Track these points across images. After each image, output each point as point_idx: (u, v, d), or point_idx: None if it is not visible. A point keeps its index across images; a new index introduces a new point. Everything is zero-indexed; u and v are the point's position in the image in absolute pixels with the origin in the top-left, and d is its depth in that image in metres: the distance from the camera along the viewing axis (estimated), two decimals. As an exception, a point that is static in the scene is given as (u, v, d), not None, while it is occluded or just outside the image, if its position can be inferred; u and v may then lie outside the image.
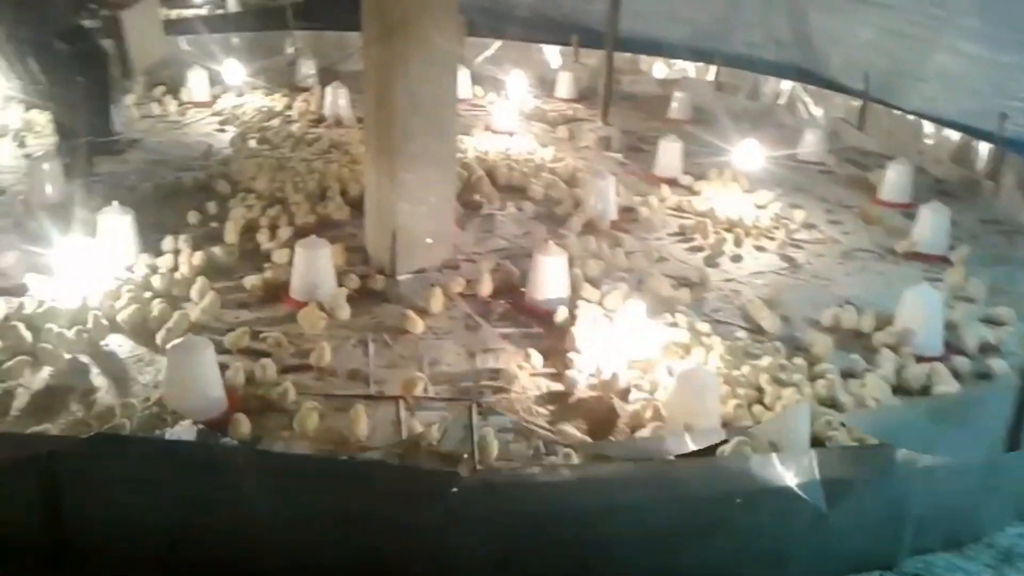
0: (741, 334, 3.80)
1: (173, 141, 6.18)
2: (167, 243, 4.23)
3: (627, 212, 5.20)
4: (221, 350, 3.44)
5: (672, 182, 5.84)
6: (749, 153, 5.74)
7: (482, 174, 5.49)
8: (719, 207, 5.26)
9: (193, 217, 4.71)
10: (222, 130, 6.45)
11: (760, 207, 5.35)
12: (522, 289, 4.06)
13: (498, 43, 8.89)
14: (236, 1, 11.56)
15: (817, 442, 2.96)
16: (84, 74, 5.24)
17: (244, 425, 2.90)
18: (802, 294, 4.30)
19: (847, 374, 3.54)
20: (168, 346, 3.02)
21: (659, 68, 8.50)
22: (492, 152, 6.05)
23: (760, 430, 2.95)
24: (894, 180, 5.59)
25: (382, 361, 3.50)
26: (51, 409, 3.04)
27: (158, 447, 2.58)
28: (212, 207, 4.82)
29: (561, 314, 3.84)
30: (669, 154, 5.99)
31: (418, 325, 3.72)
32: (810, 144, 6.44)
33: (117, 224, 4.07)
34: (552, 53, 8.78)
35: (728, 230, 4.97)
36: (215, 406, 3.01)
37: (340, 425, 3.04)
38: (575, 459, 2.92)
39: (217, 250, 4.23)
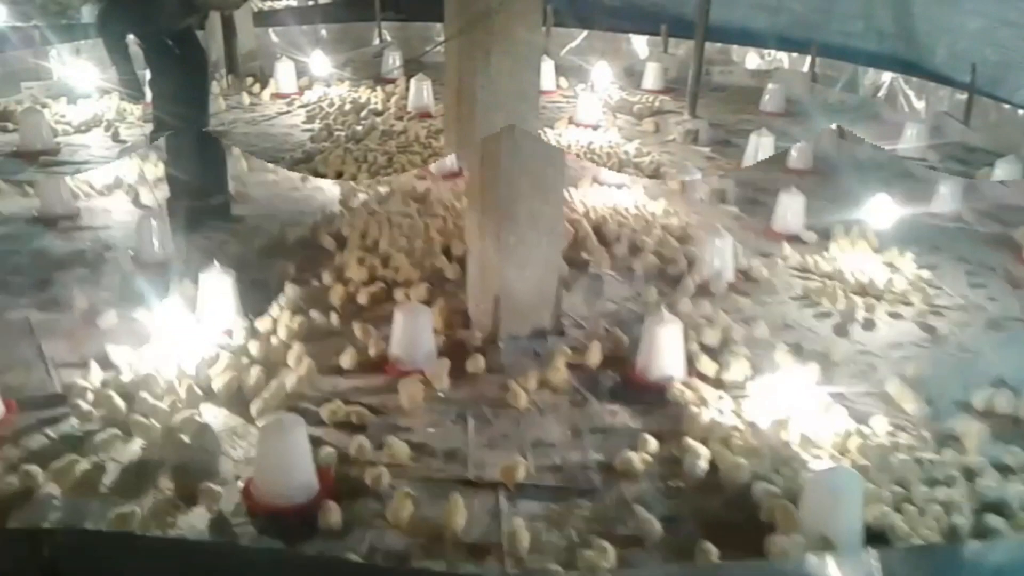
0: (880, 418, 3.40)
1: (260, 133, 6.19)
2: (269, 307, 4.14)
3: (745, 273, 4.86)
4: (316, 421, 3.29)
5: (793, 239, 5.46)
6: (880, 209, 5.28)
7: (589, 231, 5.24)
8: (848, 268, 4.86)
9: (294, 274, 4.63)
10: (309, 128, 6.44)
11: (893, 268, 4.91)
12: (632, 360, 3.77)
13: (584, 33, 8.76)
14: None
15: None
16: (189, 77, 5.21)
17: (335, 514, 2.71)
18: (947, 371, 3.86)
19: (1004, 468, 3.11)
20: (260, 424, 2.86)
21: (751, 58, 8.21)
22: (601, 207, 5.81)
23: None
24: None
25: (482, 439, 3.27)
26: (140, 486, 2.92)
27: (171, 547, 2.39)
28: (315, 260, 4.78)
29: (675, 390, 3.53)
30: (790, 208, 5.61)
31: (520, 399, 3.48)
32: (911, 139, 5.99)
33: (218, 286, 3.99)
34: (640, 43, 8.62)
35: (859, 294, 4.56)
36: (306, 491, 2.83)
37: (435, 515, 2.81)
38: (611, 553, 2.64)
39: (316, 313, 4.11)
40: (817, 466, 2.93)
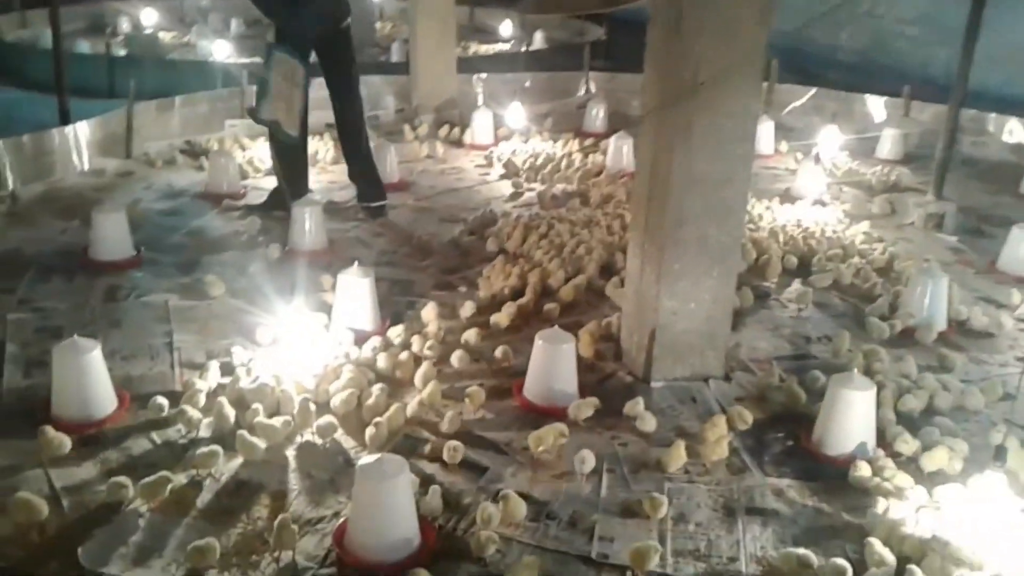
0: None
1: (445, 187, 5.90)
2: (408, 316, 3.85)
3: (961, 323, 4.07)
4: (431, 455, 2.93)
5: (1022, 280, 4.58)
6: None
7: (774, 254, 4.60)
8: None
9: (441, 281, 4.33)
10: (500, 177, 6.08)
11: None
12: (810, 423, 3.15)
13: (812, 91, 7.83)
14: (543, 38, 11.49)
15: None
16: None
17: (425, 584, 2.32)
18: None
19: None
20: (358, 465, 2.52)
21: (1013, 128, 7.01)
22: (789, 226, 5.12)
23: None
24: None
25: (614, 503, 2.78)
26: (234, 512, 2.66)
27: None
28: (467, 264, 4.46)
29: (859, 471, 2.90)
30: (1022, 244, 4.71)
31: (672, 461, 2.95)
32: None
33: (355, 288, 3.71)
34: (877, 105, 7.57)
35: (1110, 367, 3.69)
36: (402, 548, 2.46)
37: (546, 598, 2.37)
38: None
39: (455, 325, 3.77)
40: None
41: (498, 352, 3.55)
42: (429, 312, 3.84)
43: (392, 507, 2.45)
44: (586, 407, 3.20)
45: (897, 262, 4.67)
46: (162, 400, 3.05)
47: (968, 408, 3.37)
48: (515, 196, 5.75)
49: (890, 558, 2.49)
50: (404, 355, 3.47)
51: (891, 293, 4.28)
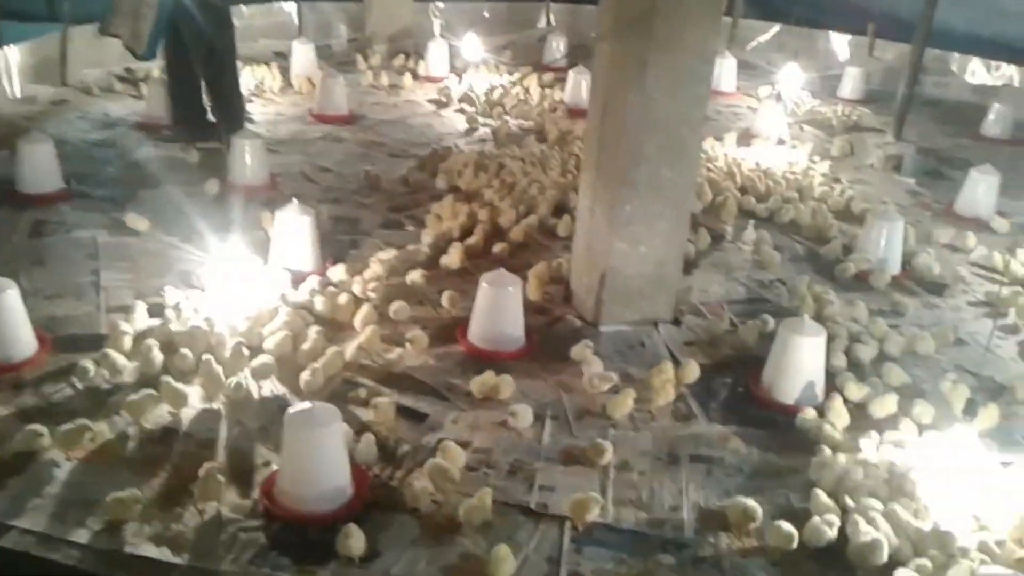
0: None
1: (397, 120, 5.69)
2: (351, 256, 3.70)
3: (915, 266, 4.02)
4: (365, 401, 2.82)
5: (981, 226, 4.54)
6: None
7: (731, 195, 4.50)
8: None
9: (388, 220, 4.18)
10: (454, 111, 5.87)
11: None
12: (759, 369, 3.09)
13: (775, 28, 7.68)
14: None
15: None
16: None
17: (355, 539, 2.22)
18: None
19: None
20: (287, 413, 2.40)
21: (975, 70, 6.93)
22: (748, 166, 5.01)
23: None
24: None
25: (555, 451, 2.70)
26: (158, 461, 2.53)
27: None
28: (416, 201, 4.35)
29: (808, 420, 2.84)
30: (980, 187, 4.67)
31: (619, 407, 2.87)
32: None
33: (294, 226, 3.55)
34: (840, 43, 7.45)
35: (1060, 311, 3.68)
36: (334, 499, 2.36)
37: (481, 550, 2.28)
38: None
39: (401, 264, 3.64)
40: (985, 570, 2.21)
41: (444, 300, 3.42)
42: (373, 252, 3.69)
43: (322, 456, 2.34)
44: (527, 355, 3.10)
45: (854, 204, 4.61)
46: (88, 364, 2.85)
47: (919, 353, 3.33)
48: (470, 131, 5.58)
49: (834, 514, 2.44)
50: (343, 298, 3.33)
51: (847, 236, 4.21)
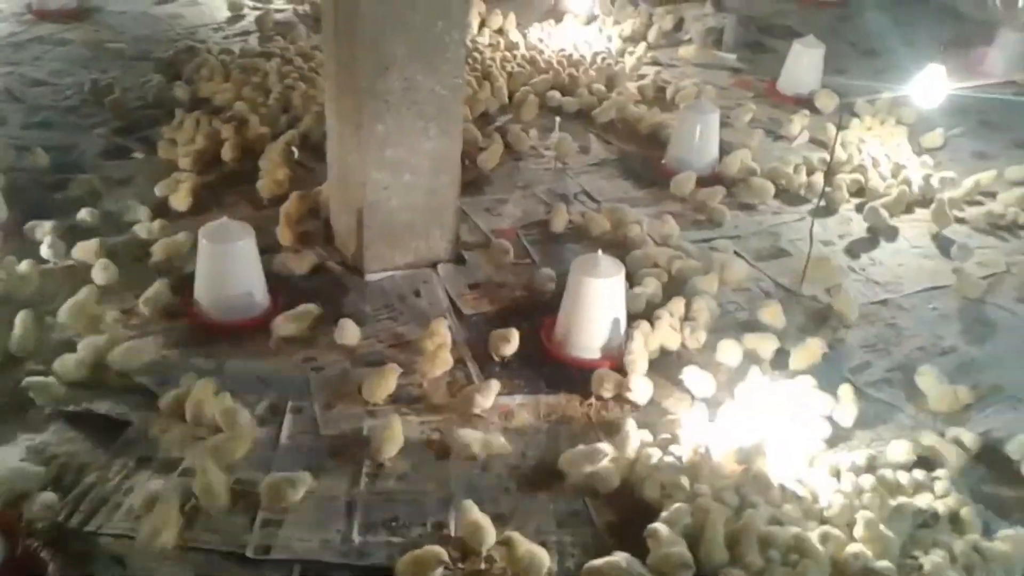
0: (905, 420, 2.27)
1: (140, 11, 4.71)
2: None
3: (732, 159, 3.53)
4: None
5: (804, 103, 4.14)
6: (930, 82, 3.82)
7: (530, 94, 3.87)
8: (872, 153, 3.66)
9: (112, 146, 3.37)
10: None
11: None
12: (550, 316, 2.57)
13: None
14: None
15: None
16: None
17: None
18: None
19: None
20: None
21: None
22: (552, 52, 4.39)
23: None
24: None
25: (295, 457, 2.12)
26: None
27: None
28: (148, 131, 3.49)
29: (601, 382, 2.36)
30: (802, 61, 4.24)
31: (374, 390, 2.30)
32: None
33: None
34: None
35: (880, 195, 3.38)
36: None
37: None
38: None
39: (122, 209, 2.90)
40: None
41: (158, 252, 2.69)
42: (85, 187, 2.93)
43: None
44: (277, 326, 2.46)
45: (670, 91, 4.10)
46: None
47: (732, 277, 2.86)
48: (233, 20, 4.67)
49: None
50: (25, 266, 2.56)
51: (655, 131, 3.72)
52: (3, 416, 2.14)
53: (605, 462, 2.08)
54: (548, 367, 2.46)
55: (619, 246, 2.90)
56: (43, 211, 2.87)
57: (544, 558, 1.84)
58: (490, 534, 1.89)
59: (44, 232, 2.72)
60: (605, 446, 2.12)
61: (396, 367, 2.31)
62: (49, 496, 1.91)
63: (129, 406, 2.19)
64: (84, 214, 2.86)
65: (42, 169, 3.16)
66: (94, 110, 3.64)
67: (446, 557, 1.83)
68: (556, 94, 3.95)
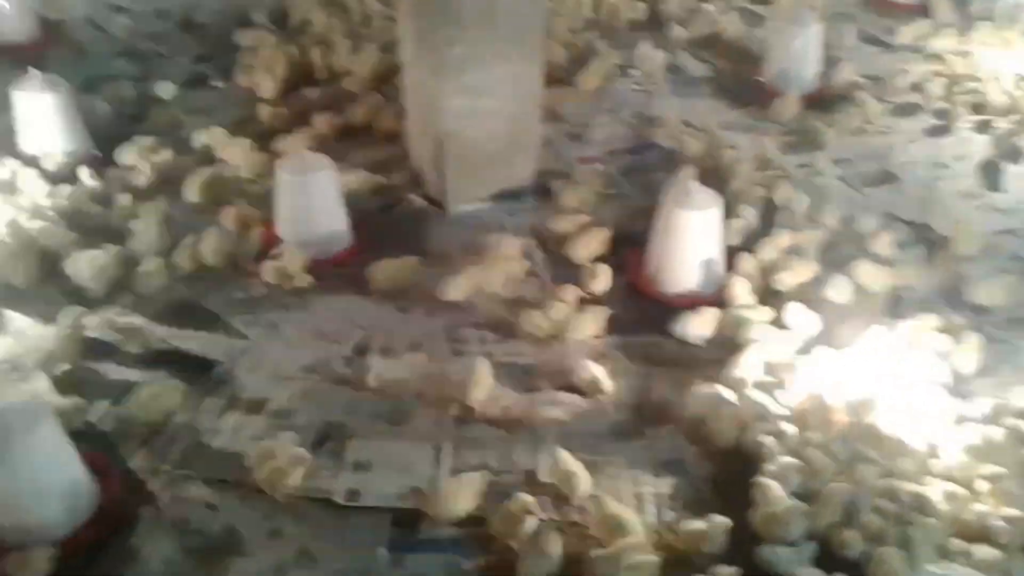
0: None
1: None
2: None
3: (835, 75, 3.27)
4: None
5: (915, 8, 3.80)
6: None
7: (620, 6, 3.64)
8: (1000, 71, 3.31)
9: (187, 72, 3.30)
10: None
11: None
12: (642, 250, 2.43)
13: None
14: None
15: None
16: None
17: None
18: None
19: None
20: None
21: None
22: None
23: None
24: None
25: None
26: None
27: None
28: (225, 58, 3.39)
29: (696, 320, 2.22)
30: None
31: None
32: None
33: (37, 106, 2.69)
34: None
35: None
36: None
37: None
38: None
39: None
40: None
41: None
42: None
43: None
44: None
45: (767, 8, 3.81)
46: None
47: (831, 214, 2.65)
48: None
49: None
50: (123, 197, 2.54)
51: (743, 55, 3.46)
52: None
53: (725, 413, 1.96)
54: (640, 304, 2.34)
55: (715, 173, 2.72)
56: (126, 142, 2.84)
57: (629, 524, 1.73)
58: (584, 480, 1.82)
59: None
60: (727, 392, 2.00)
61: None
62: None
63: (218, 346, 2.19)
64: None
65: (125, 99, 3.14)
66: (176, 38, 3.58)
67: (537, 508, 1.76)
68: (641, 5, 3.71)
